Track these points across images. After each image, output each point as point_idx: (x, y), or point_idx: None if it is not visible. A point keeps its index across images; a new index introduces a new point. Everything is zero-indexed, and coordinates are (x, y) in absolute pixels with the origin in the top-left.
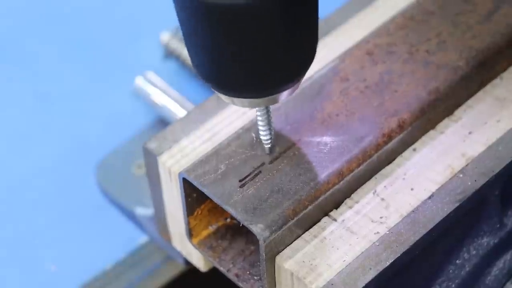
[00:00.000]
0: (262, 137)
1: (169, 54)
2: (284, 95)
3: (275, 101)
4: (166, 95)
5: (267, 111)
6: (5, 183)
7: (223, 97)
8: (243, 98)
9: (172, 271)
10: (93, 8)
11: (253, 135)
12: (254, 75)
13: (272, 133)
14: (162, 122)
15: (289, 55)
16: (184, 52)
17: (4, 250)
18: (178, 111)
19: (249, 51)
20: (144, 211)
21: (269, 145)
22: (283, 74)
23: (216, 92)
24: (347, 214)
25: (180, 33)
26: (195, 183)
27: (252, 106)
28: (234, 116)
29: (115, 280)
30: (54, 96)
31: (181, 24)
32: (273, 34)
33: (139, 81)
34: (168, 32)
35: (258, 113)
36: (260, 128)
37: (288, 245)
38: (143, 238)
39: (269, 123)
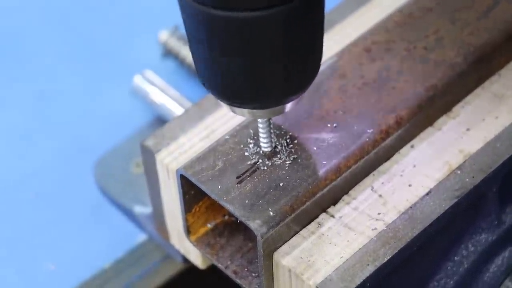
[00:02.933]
0: (262, 145)
1: (168, 52)
2: (287, 107)
3: (278, 113)
4: (164, 93)
5: (269, 121)
6: (4, 182)
7: (225, 106)
8: (246, 109)
9: (170, 270)
10: (91, 7)
11: (251, 131)
12: (258, 88)
13: (272, 141)
14: (160, 120)
15: (294, 69)
16: (182, 51)
17: (2, 249)
18: (176, 109)
19: (254, 64)
20: (143, 209)
21: (268, 149)
22: (288, 87)
23: (218, 100)
24: (344, 210)
25: (178, 32)
26: (192, 179)
27: (254, 117)
28: (232, 113)
29: (113, 279)
30: (52, 95)
31: (186, 31)
32: (279, 48)
33: (138, 80)
34: (166, 31)
35: (260, 123)
36: (261, 136)
37: (285, 242)
38: (141, 237)
39: (269, 131)
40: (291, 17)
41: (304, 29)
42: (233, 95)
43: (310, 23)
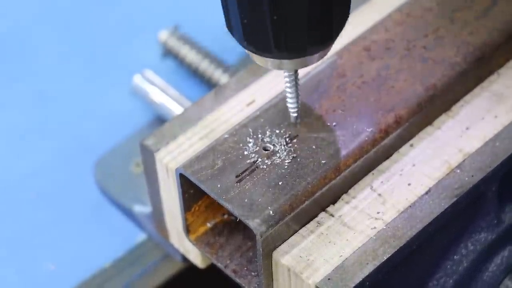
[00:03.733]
0: (288, 105)
1: (167, 52)
2: (313, 59)
3: (305, 64)
4: (164, 93)
5: (295, 77)
6: (4, 182)
7: (255, 57)
8: (273, 59)
9: (170, 269)
10: (92, 7)
11: (250, 130)
12: (285, 35)
13: (299, 101)
14: (160, 120)
15: (322, 16)
16: (182, 50)
17: (2, 249)
18: (176, 109)
19: (282, 10)
20: (142, 209)
21: (296, 114)
22: (313, 35)
23: (248, 53)
24: (344, 209)
25: (178, 32)
26: (192, 178)
27: (281, 68)
28: (231, 112)
29: (113, 278)
30: (53, 95)
31: None
32: None
33: (137, 80)
34: (166, 31)
35: (286, 78)
36: (288, 95)
37: (285, 241)
38: (141, 236)
39: (296, 90)
40: None
41: None
42: (259, 42)
43: None
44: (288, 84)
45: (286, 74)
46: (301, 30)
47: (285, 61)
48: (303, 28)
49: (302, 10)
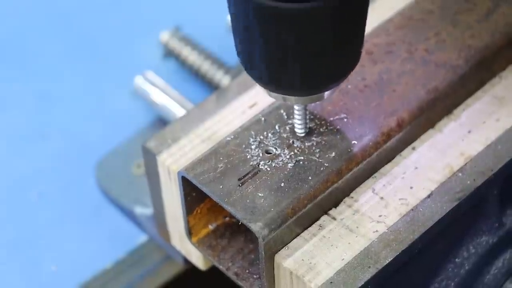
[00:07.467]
0: (296, 130)
1: (169, 53)
2: (326, 95)
3: (318, 99)
4: (165, 94)
5: (305, 107)
6: (5, 183)
7: (263, 89)
8: (286, 96)
9: (171, 270)
10: (93, 8)
11: (252, 133)
12: (300, 77)
13: (307, 124)
14: (161, 121)
15: (337, 58)
16: (183, 51)
17: (4, 250)
18: (177, 110)
19: (298, 54)
20: (144, 210)
21: (302, 133)
22: (329, 76)
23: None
24: (346, 212)
25: (180, 33)
26: (194, 181)
27: (296, 102)
28: (233, 115)
29: (115, 279)
30: (54, 96)
31: (231, 14)
32: (323, 38)
33: (139, 81)
34: (168, 32)
35: (296, 108)
36: (296, 121)
37: (287, 244)
38: (142, 237)
39: (305, 117)
40: (337, 10)
41: (349, 23)
42: (276, 84)
43: (356, 16)
44: (297, 113)
45: (296, 106)
46: (318, 75)
47: (293, 97)
48: (321, 73)
49: (323, 60)
